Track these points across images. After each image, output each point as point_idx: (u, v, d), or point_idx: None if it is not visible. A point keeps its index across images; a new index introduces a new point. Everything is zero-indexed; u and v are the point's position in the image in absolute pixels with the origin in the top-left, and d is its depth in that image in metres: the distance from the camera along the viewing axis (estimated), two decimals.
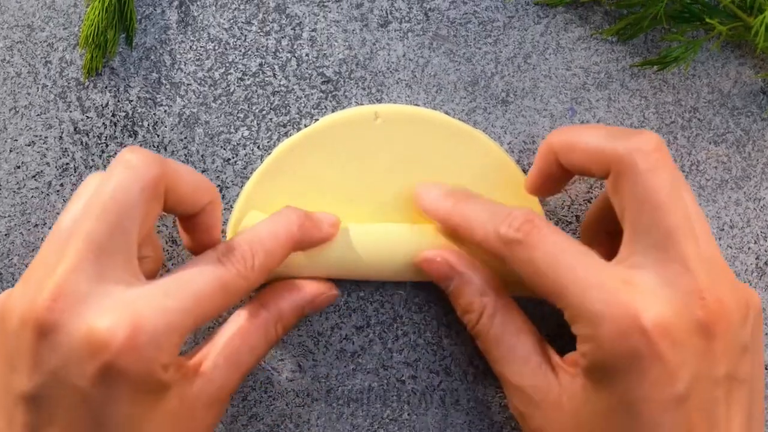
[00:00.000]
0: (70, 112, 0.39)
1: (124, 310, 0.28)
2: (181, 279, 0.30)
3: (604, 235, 0.36)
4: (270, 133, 0.39)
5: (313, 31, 0.39)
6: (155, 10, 0.39)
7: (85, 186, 0.32)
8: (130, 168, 0.30)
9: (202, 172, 0.39)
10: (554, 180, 0.36)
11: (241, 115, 0.39)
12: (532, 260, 0.31)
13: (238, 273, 0.32)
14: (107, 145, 0.39)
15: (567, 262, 0.30)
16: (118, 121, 0.39)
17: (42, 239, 0.38)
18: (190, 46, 0.39)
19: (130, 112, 0.39)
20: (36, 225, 0.39)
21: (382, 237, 0.37)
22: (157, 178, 0.31)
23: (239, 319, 0.34)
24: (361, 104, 0.39)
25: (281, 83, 0.39)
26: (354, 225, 0.37)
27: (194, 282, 0.30)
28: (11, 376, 0.29)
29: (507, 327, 0.34)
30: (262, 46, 0.39)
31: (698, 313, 0.29)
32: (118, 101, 0.39)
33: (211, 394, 0.32)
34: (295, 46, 0.39)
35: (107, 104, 0.39)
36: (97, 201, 0.30)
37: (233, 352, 0.33)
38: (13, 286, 0.33)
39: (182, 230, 0.36)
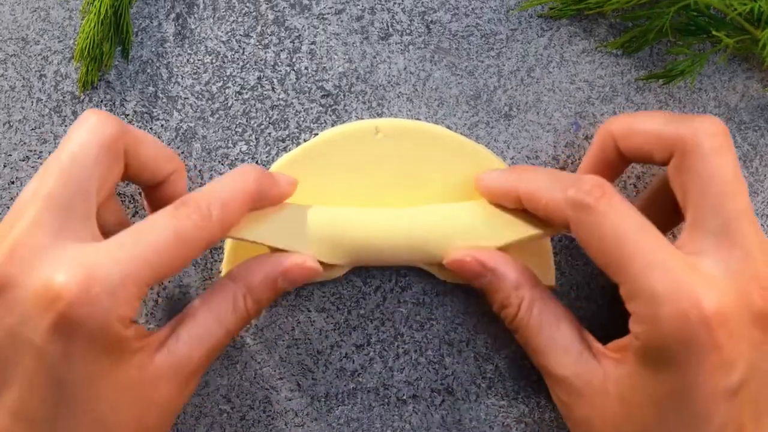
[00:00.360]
0: (66, 126, 0.38)
1: (78, 264, 0.28)
2: (135, 232, 0.30)
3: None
4: (269, 147, 0.38)
5: (312, 44, 0.38)
6: (152, 22, 0.38)
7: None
8: (88, 127, 0.31)
9: (199, 187, 0.38)
10: (611, 167, 0.35)
11: (240, 130, 0.38)
12: (598, 227, 0.30)
13: (194, 223, 0.31)
14: None
15: (634, 236, 0.30)
16: None
17: None
18: (188, 60, 0.38)
19: None
20: None
21: (380, 218, 0.35)
22: (115, 136, 0.31)
23: (206, 293, 0.33)
24: (362, 118, 0.38)
25: (280, 97, 0.38)
26: (350, 208, 0.36)
27: (148, 233, 0.30)
28: None
29: (545, 317, 0.33)
30: (261, 60, 0.38)
31: (758, 303, 0.29)
32: (114, 115, 0.38)
33: (174, 367, 0.31)
34: (294, 60, 0.38)
35: None
36: (56, 162, 0.30)
37: (198, 325, 0.32)
38: None
39: (147, 204, 0.36)
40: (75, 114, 0.38)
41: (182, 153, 0.38)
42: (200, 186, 0.38)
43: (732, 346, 0.28)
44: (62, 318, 0.28)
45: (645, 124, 0.33)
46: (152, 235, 0.30)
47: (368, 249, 0.35)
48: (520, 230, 0.34)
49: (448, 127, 0.38)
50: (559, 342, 0.33)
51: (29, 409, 0.28)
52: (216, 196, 0.32)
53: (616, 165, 0.35)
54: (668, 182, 0.33)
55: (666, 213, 0.35)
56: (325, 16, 0.38)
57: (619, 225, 0.30)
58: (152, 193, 0.34)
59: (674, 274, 0.29)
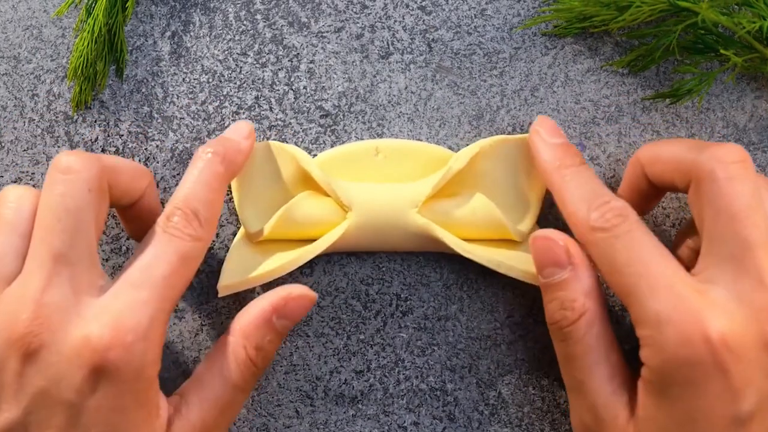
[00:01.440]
0: (58, 147, 0.37)
1: (104, 315, 0.29)
2: (143, 266, 0.30)
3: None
4: None
5: (311, 62, 0.37)
6: (147, 40, 0.38)
7: (5, 201, 0.31)
8: (72, 172, 0.30)
9: None
10: (642, 196, 0.35)
11: None
12: (610, 250, 0.30)
13: (191, 237, 0.31)
14: None
15: (643, 260, 0.30)
16: None
17: None
18: (183, 79, 0.37)
19: (121, 147, 0.37)
20: None
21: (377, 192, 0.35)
22: (100, 175, 0.31)
23: (209, 352, 0.33)
24: (361, 139, 0.37)
25: (278, 117, 0.37)
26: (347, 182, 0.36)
27: (157, 266, 0.30)
28: None
29: (601, 340, 0.32)
30: (258, 79, 0.37)
31: None
32: (108, 136, 0.37)
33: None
34: (292, 79, 0.37)
35: (97, 139, 0.37)
36: (49, 213, 0.30)
37: (204, 388, 0.32)
38: None
39: (124, 221, 0.35)
40: (68, 134, 0.37)
41: (178, 174, 0.37)
42: None
43: (741, 373, 0.28)
44: (98, 368, 0.28)
45: (667, 152, 0.33)
46: (160, 268, 0.30)
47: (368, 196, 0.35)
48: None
49: (450, 148, 0.37)
50: (604, 369, 0.32)
51: None
52: (195, 195, 0.32)
53: (649, 193, 0.35)
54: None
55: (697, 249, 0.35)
56: (324, 35, 0.38)
57: (631, 249, 0.30)
58: (129, 210, 0.34)
59: (680, 298, 0.29)
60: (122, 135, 0.37)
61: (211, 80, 0.37)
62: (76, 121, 0.37)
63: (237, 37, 0.38)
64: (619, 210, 0.31)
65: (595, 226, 0.31)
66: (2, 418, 0.28)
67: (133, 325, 0.28)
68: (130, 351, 0.28)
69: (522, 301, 0.37)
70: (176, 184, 0.37)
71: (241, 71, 0.37)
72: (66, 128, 0.37)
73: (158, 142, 0.37)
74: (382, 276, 0.37)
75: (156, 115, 0.37)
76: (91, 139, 0.37)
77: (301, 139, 0.37)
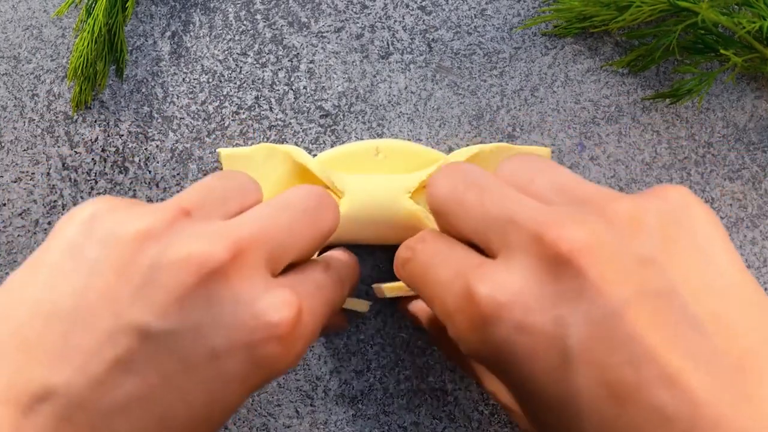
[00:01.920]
0: (58, 147, 0.37)
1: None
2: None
3: None
4: None
5: (311, 62, 0.37)
6: (147, 40, 0.38)
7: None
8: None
9: None
10: None
11: None
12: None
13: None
14: (96, 182, 0.37)
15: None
16: (108, 156, 0.37)
17: None
18: (183, 79, 0.37)
19: (121, 148, 0.37)
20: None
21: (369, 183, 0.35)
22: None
23: None
24: (362, 139, 0.37)
25: (278, 117, 0.37)
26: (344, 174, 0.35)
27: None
28: (132, 304, 0.24)
29: None
30: (258, 79, 0.37)
31: None
32: (108, 136, 0.37)
33: None
34: (292, 79, 0.37)
35: (97, 139, 0.37)
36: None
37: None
38: None
39: None
40: (68, 134, 0.37)
41: (178, 174, 0.37)
42: None
43: None
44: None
45: None
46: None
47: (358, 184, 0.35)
48: None
49: (450, 148, 0.37)
50: None
51: None
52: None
53: None
54: None
55: None
56: (324, 35, 0.38)
57: None
58: None
59: None
60: (122, 135, 0.37)
61: (211, 80, 0.37)
62: (76, 121, 0.37)
63: (237, 37, 0.37)
64: None
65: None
66: (136, 319, 0.24)
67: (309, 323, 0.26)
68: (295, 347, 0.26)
69: None
70: (176, 184, 0.37)
71: (241, 71, 0.37)
72: (66, 128, 0.37)
73: (158, 142, 0.37)
74: (382, 276, 0.37)
75: (156, 115, 0.37)
76: (91, 140, 0.37)
77: (301, 139, 0.37)
